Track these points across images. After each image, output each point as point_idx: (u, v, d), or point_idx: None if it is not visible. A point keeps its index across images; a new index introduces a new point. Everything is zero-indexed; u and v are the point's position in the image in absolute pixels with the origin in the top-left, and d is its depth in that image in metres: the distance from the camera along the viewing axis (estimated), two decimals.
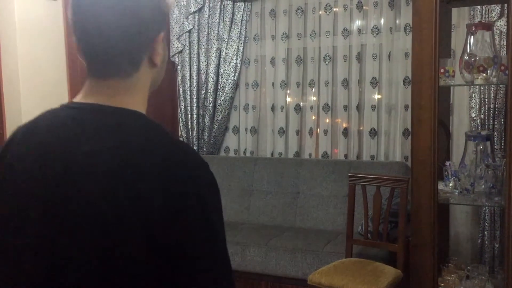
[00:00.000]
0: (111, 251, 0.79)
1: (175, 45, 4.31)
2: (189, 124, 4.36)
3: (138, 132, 0.86)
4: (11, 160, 0.90)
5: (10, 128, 3.18)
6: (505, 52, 2.92)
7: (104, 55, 0.87)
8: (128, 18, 0.86)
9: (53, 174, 0.83)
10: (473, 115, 3.46)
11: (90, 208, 0.80)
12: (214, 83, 4.24)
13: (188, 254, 0.79)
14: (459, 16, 3.48)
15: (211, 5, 4.19)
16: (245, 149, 4.35)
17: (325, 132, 4.04)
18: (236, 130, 4.40)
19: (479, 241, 3.48)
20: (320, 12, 4.00)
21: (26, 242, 0.84)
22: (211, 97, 4.26)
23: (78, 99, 0.92)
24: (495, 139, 3.34)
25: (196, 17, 4.23)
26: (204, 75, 4.27)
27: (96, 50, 0.88)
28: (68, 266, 0.81)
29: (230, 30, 4.17)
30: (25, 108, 3.20)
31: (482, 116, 3.42)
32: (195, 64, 4.28)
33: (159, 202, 0.78)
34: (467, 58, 2.51)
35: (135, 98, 0.91)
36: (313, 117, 4.09)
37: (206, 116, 4.30)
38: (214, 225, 0.83)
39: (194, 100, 4.31)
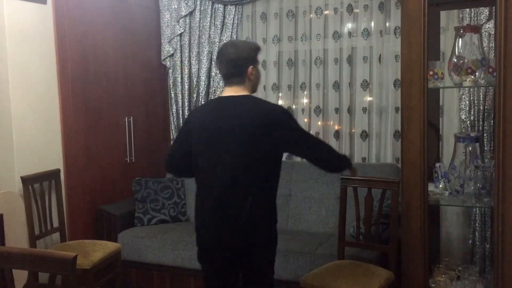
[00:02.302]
0: (254, 144, 2.12)
1: (166, 49, 4.31)
2: None
3: (254, 101, 2.18)
4: (198, 120, 2.23)
5: (1, 132, 3.16)
6: (493, 54, 2.95)
7: (231, 75, 2.19)
8: (241, 60, 2.17)
9: (219, 122, 2.15)
10: (463, 117, 3.48)
11: (242, 131, 2.11)
12: (205, 86, 4.24)
13: (295, 141, 2.22)
14: (448, 19, 3.51)
15: (202, 8, 4.19)
16: None
17: (317, 134, 4.05)
18: None
19: (469, 242, 3.50)
20: (311, 15, 4.02)
21: (214, 147, 2.16)
22: (202, 100, 4.26)
23: (223, 95, 2.23)
24: (485, 140, 3.37)
25: (187, 20, 4.23)
26: (195, 79, 4.27)
27: (229, 73, 2.19)
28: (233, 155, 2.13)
29: (221, 33, 4.17)
30: (16, 112, 3.18)
31: (472, 117, 3.45)
32: (186, 68, 4.28)
33: (268, 123, 2.11)
34: (455, 60, 2.54)
35: (245, 92, 2.20)
36: (305, 120, 4.10)
37: None
38: (298, 125, 2.22)
39: (186, 103, 4.31)
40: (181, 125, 4.36)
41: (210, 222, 2.18)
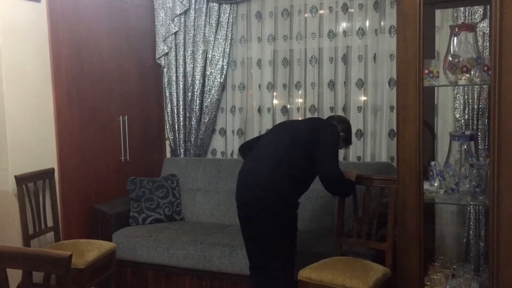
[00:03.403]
0: (297, 139, 2.83)
1: (161, 48, 4.29)
2: (176, 126, 4.35)
3: (325, 122, 2.99)
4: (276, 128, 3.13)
5: None
6: (488, 53, 2.96)
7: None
8: (341, 128, 2.99)
9: (289, 123, 3.32)
10: (457, 115, 3.50)
11: (297, 130, 2.90)
12: (200, 85, 4.24)
13: (320, 147, 2.76)
14: (443, 18, 3.52)
15: (197, 7, 4.18)
16: (232, 151, 4.35)
17: None
18: (223, 132, 4.39)
19: (464, 240, 3.52)
20: (306, 14, 4.03)
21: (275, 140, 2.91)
22: (197, 99, 4.25)
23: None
24: (479, 139, 3.38)
25: (182, 19, 4.22)
26: (190, 77, 4.26)
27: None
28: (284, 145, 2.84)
29: (216, 32, 4.17)
30: (9, 111, 3.16)
31: (466, 116, 3.46)
32: (181, 67, 4.27)
33: (316, 130, 2.82)
34: (450, 59, 2.54)
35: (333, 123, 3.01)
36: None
37: (193, 118, 4.29)
38: (331, 141, 2.79)
39: (181, 102, 4.29)
40: (175, 123, 4.36)
41: (243, 181, 2.83)
